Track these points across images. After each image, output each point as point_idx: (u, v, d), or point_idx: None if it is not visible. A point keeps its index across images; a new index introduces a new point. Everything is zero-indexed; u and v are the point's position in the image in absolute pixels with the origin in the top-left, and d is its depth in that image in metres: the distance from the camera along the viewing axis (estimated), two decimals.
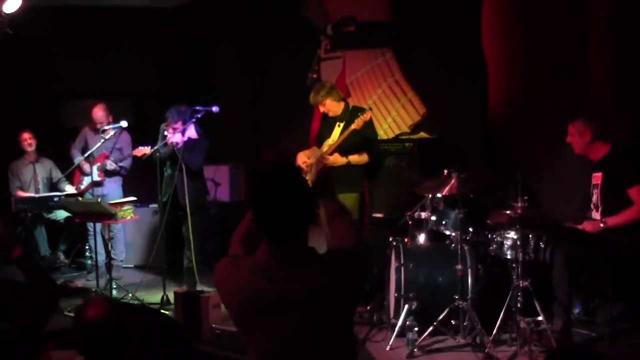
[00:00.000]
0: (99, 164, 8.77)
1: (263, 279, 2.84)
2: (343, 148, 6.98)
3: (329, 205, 3.25)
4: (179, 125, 7.60)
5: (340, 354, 2.96)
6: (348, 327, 3.01)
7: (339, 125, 7.11)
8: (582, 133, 6.01)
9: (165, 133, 7.75)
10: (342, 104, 7.18)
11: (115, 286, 7.78)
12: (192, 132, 7.67)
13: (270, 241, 2.89)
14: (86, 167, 8.98)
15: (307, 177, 7.16)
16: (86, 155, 8.74)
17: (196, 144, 7.69)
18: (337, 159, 6.98)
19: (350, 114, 7.08)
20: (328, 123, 7.27)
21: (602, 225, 5.87)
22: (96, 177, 8.73)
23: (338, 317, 2.94)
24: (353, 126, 6.83)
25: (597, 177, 6.07)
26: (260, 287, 2.84)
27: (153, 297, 7.66)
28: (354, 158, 6.99)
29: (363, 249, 3.23)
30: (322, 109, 7.23)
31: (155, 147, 7.72)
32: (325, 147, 7.10)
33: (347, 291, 2.97)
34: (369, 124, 7.01)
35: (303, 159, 7.22)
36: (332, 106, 7.13)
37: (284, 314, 2.82)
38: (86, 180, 9.07)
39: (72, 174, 9.41)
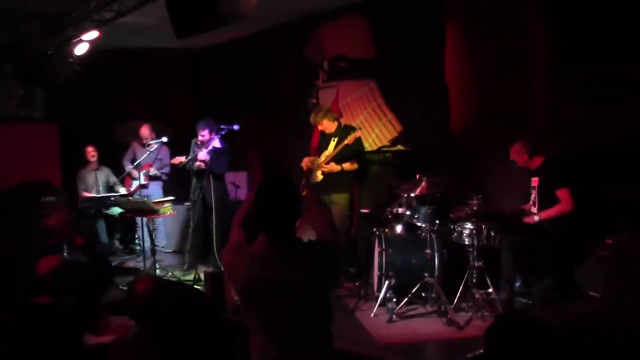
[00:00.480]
0: (144, 171, 8.82)
1: (261, 266, 2.87)
2: (337, 158, 7.01)
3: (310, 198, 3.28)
4: (205, 132, 7.66)
5: (324, 321, 2.99)
6: (329, 299, 3.04)
7: (333, 140, 7.14)
8: (521, 153, 6.11)
9: (195, 148, 7.77)
10: (335, 124, 7.22)
11: (157, 267, 7.82)
12: (216, 143, 7.70)
13: (268, 235, 2.92)
14: (135, 173, 9.04)
15: (306, 177, 7.27)
16: (135, 164, 8.81)
17: (220, 153, 7.70)
18: (333, 167, 7.01)
19: (342, 131, 7.11)
20: (325, 138, 7.30)
21: (536, 218, 5.93)
22: (142, 181, 8.79)
23: (322, 292, 2.98)
24: (346, 141, 6.85)
25: (534, 181, 6.14)
26: (259, 273, 2.86)
27: (187, 276, 7.70)
28: (347, 166, 7.02)
29: (339, 239, 3.27)
30: (320, 128, 7.26)
31: (189, 158, 7.76)
32: (322, 157, 7.14)
33: (329, 273, 3.02)
34: (358, 140, 7.06)
35: (307, 162, 7.29)
36: (328, 125, 7.17)
37: (280, 294, 2.85)
38: (135, 184, 9.13)
39: (124, 179, 9.47)
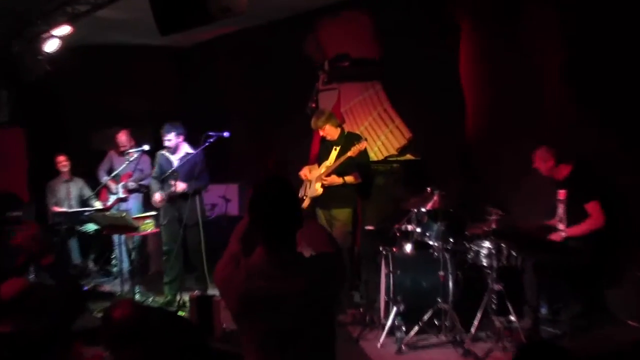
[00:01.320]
0: (123, 182, 8.77)
1: (260, 279, 2.85)
2: (339, 170, 6.96)
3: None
4: (171, 136, 7.51)
5: (326, 342, 2.98)
6: (332, 317, 3.02)
7: (335, 149, 7.09)
8: (545, 159, 6.07)
9: (163, 162, 7.61)
10: (338, 130, 7.15)
11: (137, 291, 7.73)
12: (186, 147, 7.62)
13: (266, 246, 2.90)
14: (113, 186, 8.98)
15: (305, 188, 7.21)
16: (113, 175, 8.75)
17: (201, 170, 7.58)
18: (334, 180, 6.95)
19: (345, 139, 7.05)
20: (326, 146, 7.24)
21: (563, 234, 5.90)
22: (121, 194, 8.74)
23: (324, 309, 2.96)
24: (349, 153, 6.78)
25: (562, 194, 6.09)
26: (258, 286, 2.85)
27: (169, 297, 7.60)
28: (349, 179, 6.94)
29: (341, 252, 3.29)
30: (321, 133, 7.20)
31: (165, 195, 7.60)
32: (323, 169, 7.07)
33: (331, 288, 3.00)
34: (364, 152, 7.00)
35: (305, 172, 7.23)
36: (330, 131, 7.11)
37: (278, 309, 2.83)
38: (112, 198, 9.07)
39: (100, 192, 9.41)
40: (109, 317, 3.39)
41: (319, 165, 7.19)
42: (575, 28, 6.42)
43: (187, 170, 7.46)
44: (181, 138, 7.58)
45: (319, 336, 2.94)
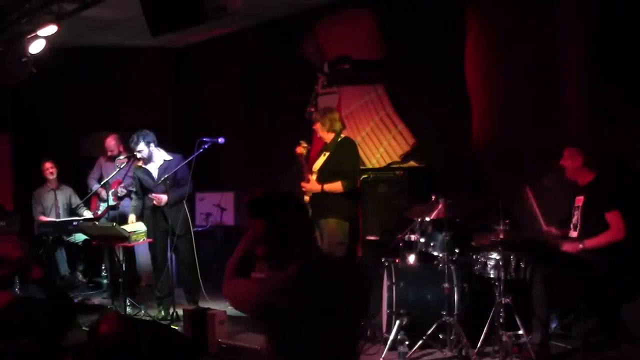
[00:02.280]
0: (113, 190, 8.78)
1: (279, 293, 2.94)
2: (322, 175, 6.98)
3: None
4: (142, 146, 7.49)
5: (352, 351, 3.12)
6: (358, 329, 3.11)
7: (324, 155, 7.13)
8: (575, 157, 6.03)
9: (141, 174, 7.63)
10: (331, 135, 7.11)
11: (128, 304, 7.74)
12: (163, 155, 7.66)
13: (282, 259, 3.03)
14: (103, 193, 9.00)
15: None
16: (103, 182, 8.74)
17: (181, 179, 7.59)
18: (313, 187, 6.98)
19: (337, 146, 7.07)
20: (321, 149, 7.28)
21: (580, 246, 5.86)
22: (111, 202, 8.73)
23: (351, 321, 3.10)
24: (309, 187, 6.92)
25: (579, 200, 6.07)
26: (276, 300, 2.92)
27: (163, 313, 7.62)
28: (328, 186, 6.94)
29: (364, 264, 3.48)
30: (314, 129, 7.22)
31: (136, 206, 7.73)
32: (314, 175, 7.12)
33: (357, 297, 3.09)
34: (346, 153, 7.02)
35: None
36: (319, 130, 7.13)
37: (306, 321, 2.91)
38: (102, 206, 9.09)
39: (90, 200, 9.42)
40: (96, 331, 3.39)
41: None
42: (597, 27, 6.43)
43: (171, 179, 7.47)
44: (152, 146, 7.56)
45: (346, 340, 3.07)
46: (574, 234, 6.04)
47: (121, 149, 9.04)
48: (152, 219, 7.59)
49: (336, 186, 6.92)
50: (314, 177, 7.08)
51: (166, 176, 7.39)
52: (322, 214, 6.99)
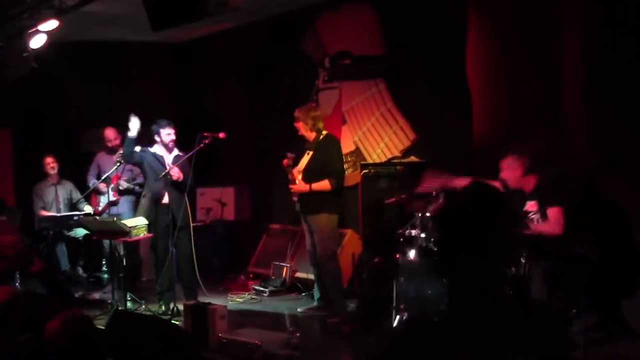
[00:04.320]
0: (113, 185, 8.74)
1: None
2: (307, 175, 7.04)
3: None
4: (173, 133, 7.61)
5: None
6: None
7: (308, 154, 7.14)
8: (514, 168, 6.04)
9: (171, 172, 7.56)
10: (313, 134, 7.16)
11: (129, 298, 7.75)
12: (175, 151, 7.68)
13: None
14: (102, 188, 8.93)
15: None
16: (103, 178, 8.68)
17: (184, 170, 7.60)
18: (301, 187, 7.02)
19: (318, 144, 7.12)
20: (304, 148, 7.29)
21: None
22: (112, 197, 8.70)
23: None
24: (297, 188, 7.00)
25: (532, 205, 6.08)
26: None
27: (163, 308, 7.63)
28: (316, 186, 6.98)
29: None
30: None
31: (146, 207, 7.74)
32: (298, 175, 7.14)
33: None
34: (330, 151, 7.08)
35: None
36: (302, 129, 7.17)
37: None
38: (103, 202, 9.07)
39: (89, 196, 9.41)
40: (48, 332, 3.29)
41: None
42: (598, 27, 6.42)
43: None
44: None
45: None
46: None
47: (119, 140, 9.03)
48: (154, 213, 7.60)
49: (324, 185, 6.97)
50: (299, 176, 7.11)
51: (166, 171, 7.42)
52: (312, 210, 7.07)
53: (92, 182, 9.07)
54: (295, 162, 7.25)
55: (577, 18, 6.62)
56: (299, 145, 8.93)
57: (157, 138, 7.67)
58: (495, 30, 7.42)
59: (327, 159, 7.06)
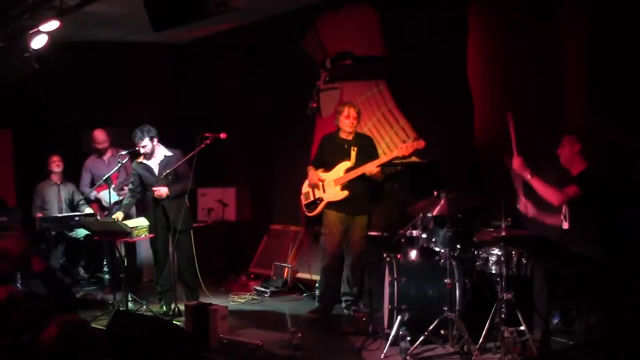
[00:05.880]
0: (114, 185, 8.73)
1: None
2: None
3: None
4: (147, 142, 7.46)
5: None
6: None
7: (353, 150, 7.22)
8: (573, 144, 6.02)
9: (142, 170, 7.59)
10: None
11: (130, 299, 7.75)
12: (163, 150, 7.65)
13: None
14: (103, 198, 8.91)
15: (314, 191, 7.43)
16: (104, 178, 8.59)
17: (183, 172, 7.56)
18: (356, 172, 7.21)
19: (359, 139, 7.39)
20: (338, 146, 7.32)
21: (529, 176, 5.99)
22: (115, 198, 8.66)
23: None
24: (396, 153, 7.09)
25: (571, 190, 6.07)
26: None
27: (164, 309, 7.63)
28: (369, 168, 7.18)
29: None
30: (350, 121, 7.33)
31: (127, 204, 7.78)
32: (342, 171, 7.28)
33: None
34: (370, 141, 7.63)
35: (318, 176, 7.41)
36: (356, 123, 7.39)
37: None
38: (105, 203, 9.00)
39: (90, 204, 9.36)
40: (40, 337, 3.28)
41: (332, 167, 7.31)
42: (603, 24, 6.41)
43: (172, 174, 7.46)
44: (155, 141, 7.56)
45: None
46: (565, 225, 6.03)
47: (109, 142, 9.02)
48: (154, 214, 7.58)
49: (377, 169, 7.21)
50: (340, 172, 7.28)
51: (167, 172, 7.37)
52: (356, 210, 7.33)
53: (87, 190, 9.05)
54: (336, 157, 7.39)
55: (577, 18, 6.62)
56: (299, 145, 8.96)
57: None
58: (495, 30, 7.42)
59: (373, 150, 7.45)
